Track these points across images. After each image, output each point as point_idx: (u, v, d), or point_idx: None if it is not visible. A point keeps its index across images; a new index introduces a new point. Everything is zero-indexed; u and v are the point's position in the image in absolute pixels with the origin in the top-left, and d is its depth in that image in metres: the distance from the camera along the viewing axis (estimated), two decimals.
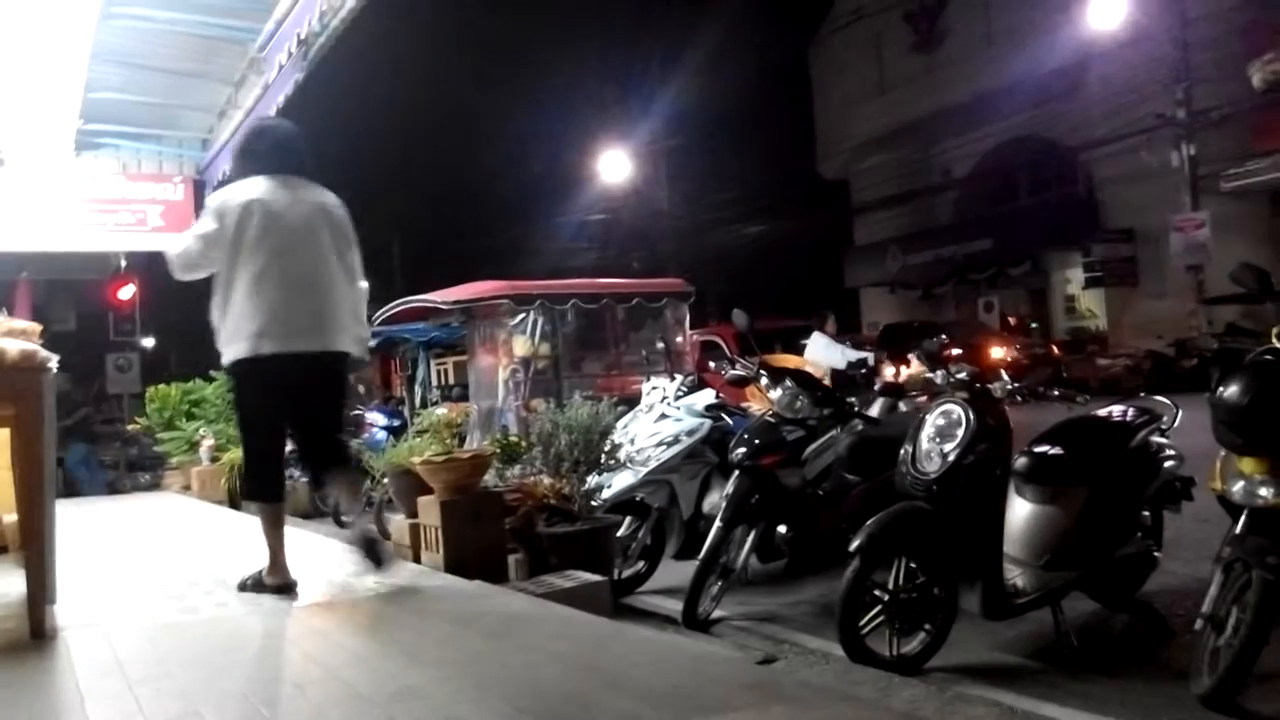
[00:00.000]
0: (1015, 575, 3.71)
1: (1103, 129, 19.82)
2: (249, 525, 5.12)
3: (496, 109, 33.14)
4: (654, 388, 6.18)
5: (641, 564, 5.28)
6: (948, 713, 3.06)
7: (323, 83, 8.79)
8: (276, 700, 2.66)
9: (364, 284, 4.19)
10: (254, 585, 4.06)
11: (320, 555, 4.93)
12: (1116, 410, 4.29)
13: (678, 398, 5.85)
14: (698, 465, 5.40)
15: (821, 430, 4.92)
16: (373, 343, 7.98)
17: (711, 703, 2.49)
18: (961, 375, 3.89)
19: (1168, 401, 4.27)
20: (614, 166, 26.17)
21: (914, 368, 4.10)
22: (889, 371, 7.18)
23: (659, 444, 5.42)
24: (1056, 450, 3.96)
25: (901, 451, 3.81)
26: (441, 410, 7.71)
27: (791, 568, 4.87)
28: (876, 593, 3.61)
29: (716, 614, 4.54)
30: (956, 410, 3.72)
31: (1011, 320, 22.59)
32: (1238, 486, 3.13)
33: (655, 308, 10.31)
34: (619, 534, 5.11)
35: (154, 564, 5.32)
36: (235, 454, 7.85)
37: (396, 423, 9.91)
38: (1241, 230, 17.68)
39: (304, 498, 8.56)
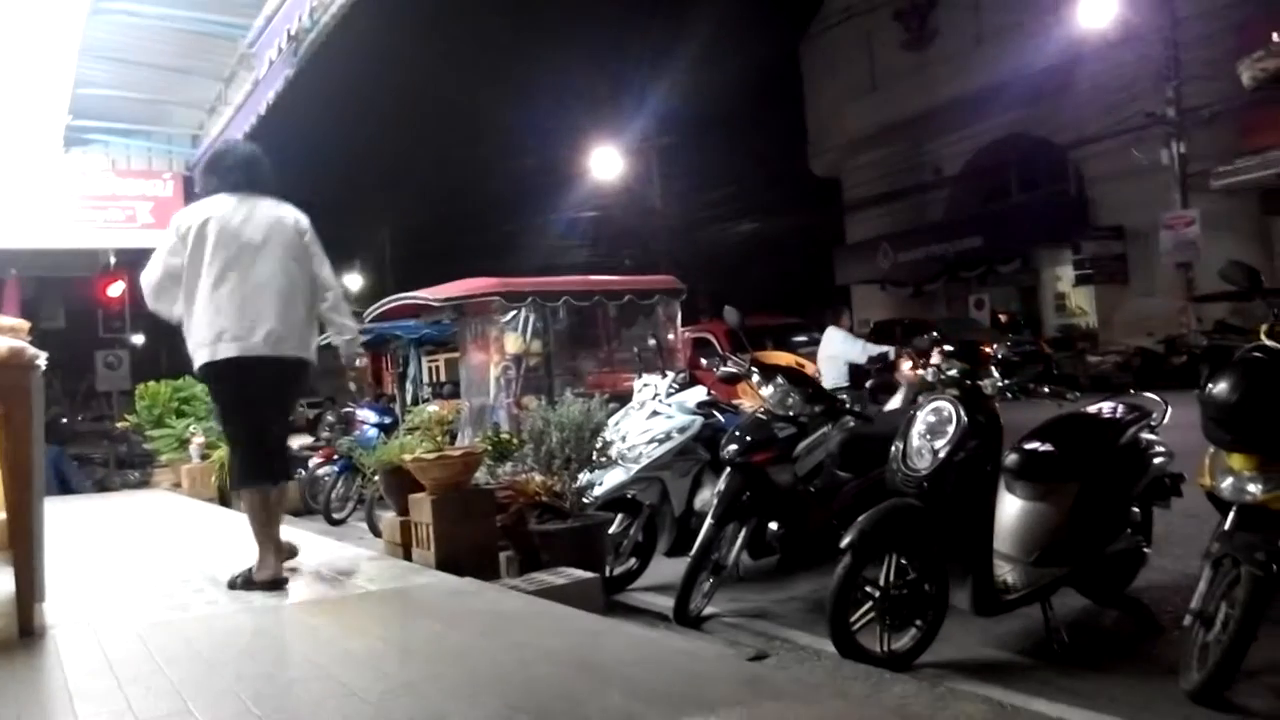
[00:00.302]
0: (1006, 571, 3.73)
1: (1093, 127, 19.85)
2: (239, 522, 5.11)
3: (488, 106, 33.15)
4: (645, 385, 6.17)
5: (633, 561, 5.28)
6: (938, 708, 3.08)
7: (313, 79, 8.77)
8: (267, 698, 2.65)
9: (335, 289, 4.40)
10: (244, 583, 4.11)
11: (310, 552, 4.92)
12: (1106, 407, 4.30)
13: (669, 395, 5.86)
14: (689, 462, 5.40)
15: (813, 427, 4.93)
16: (363, 340, 7.97)
17: (703, 699, 2.49)
18: (952, 372, 3.90)
19: (1157, 398, 4.28)
20: (606, 163, 26.12)
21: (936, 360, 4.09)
22: (907, 366, 7.16)
23: (650, 441, 5.43)
24: (1047, 447, 3.97)
25: (892, 448, 3.82)
26: (433, 408, 7.68)
27: (783, 564, 4.87)
28: (867, 589, 3.62)
29: (708, 611, 4.55)
30: (947, 407, 3.73)
31: (1002, 317, 22.62)
32: (1226, 483, 3.15)
33: (647, 305, 10.30)
34: (610, 531, 5.12)
35: (144, 561, 5.30)
36: (225, 451, 7.82)
37: (388, 420, 9.87)
38: (1231, 228, 17.74)
39: (295, 495, 8.54)
